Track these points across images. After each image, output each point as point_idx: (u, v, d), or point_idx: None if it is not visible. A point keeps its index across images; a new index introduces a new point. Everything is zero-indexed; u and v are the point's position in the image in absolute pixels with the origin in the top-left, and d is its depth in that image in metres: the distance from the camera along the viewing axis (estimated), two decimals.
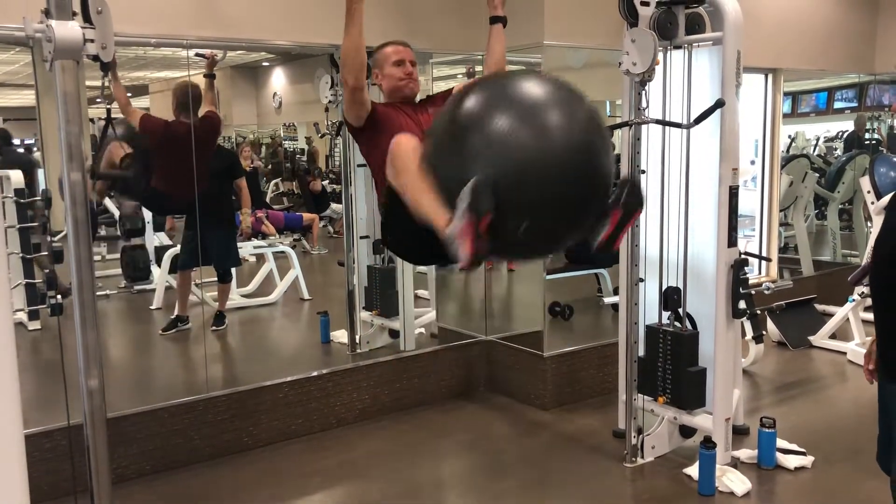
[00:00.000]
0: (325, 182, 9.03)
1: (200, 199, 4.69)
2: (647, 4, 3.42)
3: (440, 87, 5.65)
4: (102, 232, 6.61)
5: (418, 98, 2.82)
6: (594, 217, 2.10)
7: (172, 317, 5.37)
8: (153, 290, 5.92)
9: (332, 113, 5.02)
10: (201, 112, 4.97)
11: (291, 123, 10.55)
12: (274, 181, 9.46)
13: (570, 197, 2.00)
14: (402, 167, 2.21)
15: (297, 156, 9.73)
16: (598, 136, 2.09)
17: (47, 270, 3.65)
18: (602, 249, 2.15)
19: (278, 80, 10.04)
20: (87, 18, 2.12)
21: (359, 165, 4.96)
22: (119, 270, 5.85)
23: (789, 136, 8.28)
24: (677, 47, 3.72)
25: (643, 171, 3.68)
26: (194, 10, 3.93)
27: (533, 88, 2.10)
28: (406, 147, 2.23)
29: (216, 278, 5.63)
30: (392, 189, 2.30)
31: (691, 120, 3.54)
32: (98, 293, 2.31)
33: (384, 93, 2.77)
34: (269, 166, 9.47)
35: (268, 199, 9.18)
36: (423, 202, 2.11)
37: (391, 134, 2.56)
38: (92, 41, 2.11)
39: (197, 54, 4.71)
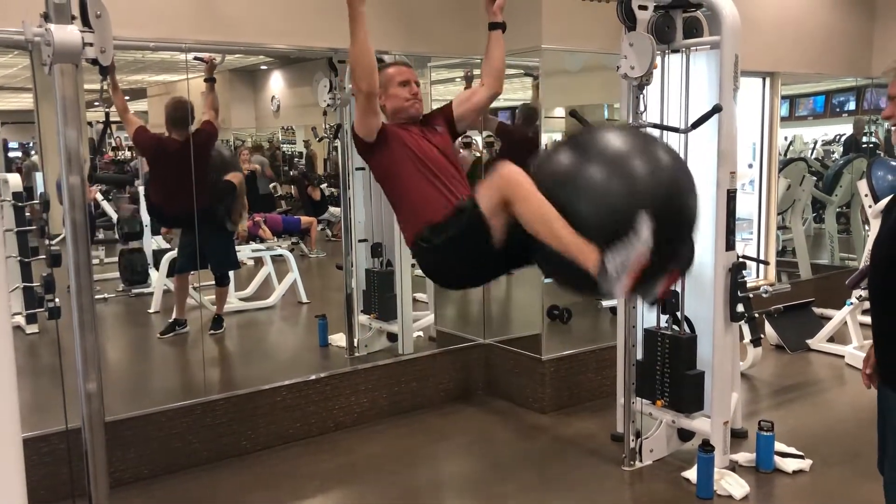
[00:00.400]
0: (324, 185, 9.03)
1: (176, 198, 4.72)
2: (645, 8, 3.43)
3: (439, 90, 5.66)
4: (101, 235, 6.62)
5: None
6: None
7: (170, 320, 5.36)
8: (151, 294, 5.92)
9: (330, 116, 5.02)
10: (198, 121, 4.97)
11: (290, 127, 10.56)
12: (272, 184, 9.45)
13: (689, 233, 2.33)
14: (525, 195, 2.26)
15: (296, 159, 9.73)
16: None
17: (45, 274, 3.65)
18: (652, 299, 2.50)
19: (277, 83, 10.04)
20: (85, 22, 2.12)
21: (357, 169, 4.96)
22: (117, 274, 5.84)
23: (786, 139, 8.30)
24: (675, 51, 3.73)
25: None
26: (193, 13, 3.93)
27: (638, 138, 2.43)
28: (522, 176, 2.29)
29: (214, 282, 5.62)
30: (476, 217, 2.35)
31: (689, 124, 3.54)
32: (96, 297, 2.31)
33: (388, 114, 2.77)
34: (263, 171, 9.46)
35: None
36: (563, 235, 2.20)
37: (404, 153, 2.59)
38: (91, 45, 2.11)
39: (196, 58, 4.71)
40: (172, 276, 5.62)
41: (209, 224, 4.97)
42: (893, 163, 6.22)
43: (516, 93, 5.41)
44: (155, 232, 6.37)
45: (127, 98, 5.23)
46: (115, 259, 6.00)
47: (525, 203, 2.25)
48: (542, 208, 2.22)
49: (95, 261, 6.52)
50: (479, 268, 2.57)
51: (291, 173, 9.54)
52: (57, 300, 3.53)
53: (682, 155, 2.82)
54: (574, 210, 2.20)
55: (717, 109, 3.41)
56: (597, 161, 2.26)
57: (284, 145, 10.26)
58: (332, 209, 8.59)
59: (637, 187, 2.18)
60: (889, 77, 1.99)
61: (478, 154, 5.78)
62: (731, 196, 3.57)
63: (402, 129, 2.68)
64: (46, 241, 4.21)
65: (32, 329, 5.11)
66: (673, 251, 2.24)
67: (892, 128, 2.08)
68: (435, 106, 5.32)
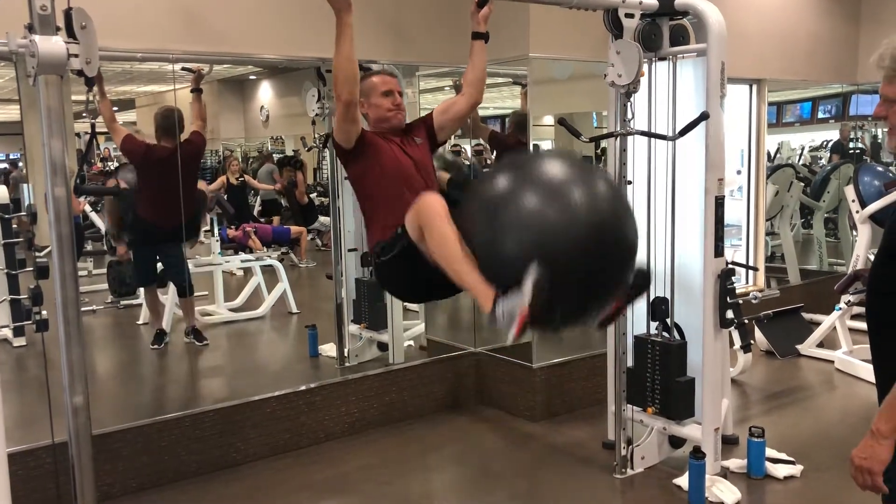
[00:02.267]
0: (313, 195, 9.02)
1: (157, 208, 4.85)
2: (632, 17, 3.44)
3: (427, 98, 5.67)
4: (89, 247, 6.58)
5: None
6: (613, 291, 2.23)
7: (156, 331, 5.34)
8: (140, 305, 5.88)
9: (319, 126, 5.01)
10: (186, 131, 4.96)
11: (279, 136, 10.55)
12: (259, 193, 9.44)
13: (607, 277, 2.17)
14: (433, 229, 2.28)
15: (284, 170, 9.72)
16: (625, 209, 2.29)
17: (32, 286, 3.63)
18: (600, 324, 2.32)
19: (265, 93, 10.04)
20: (70, 34, 2.11)
21: (346, 178, 4.94)
22: (106, 285, 5.81)
23: (778, 146, 8.36)
24: (662, 59, 3.75)
25: (629, 182, 3.69)
26: (180, 24, 3.92)
27: (566, 170, 2.23)
28: (438, 208, 2.30)
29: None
30: (404, 239, 2.41)
31: (676, 132, 3.55)
32: (84, 308, 2.30)
33: (370, 122, 2.79)
34: (259, 162, 9.47)
35: (255, 213, 9.16)
36: (464, 273, 2.21)
37: (380, 162, 2.63)
38: (76, 56, 2.11)
39: (183, 69, 4.70)
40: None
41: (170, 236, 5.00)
42: (880, 168, 6.27)
43: (505, 101, 5.43)
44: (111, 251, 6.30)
45: (115, 109, 5.22)
46: (104, 271, 5.96)
47: (433, 236, 2.29)
48: (447, 244, 2.25)
49: (84, 272, 6.48)
50: (423, 286, 2.62)
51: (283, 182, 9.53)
52: (44, 313, 3.50)
53: (615, 184, 2.65)
54: (479, 249, 2.21)
55: (704, 116, 3.42)
56: (507, 201, 2.17)
57: (274, 155, 10.25)
58: (321, 218, 8.58)
59: (533, 235, 2.09)
60: (883, 64, 1.91)
61: (465, 161, 5.77)
62: (720, 203, 3.58)
63: (382, 139, 2.70)
64: (34, 254, 4.19)
65: (20, 342, 5.07)
66: (601, 285, 2.16)
67: (885, 129, 2.01)
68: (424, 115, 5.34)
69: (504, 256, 2.13)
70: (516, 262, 2.07)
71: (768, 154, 6.88)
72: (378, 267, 2.65)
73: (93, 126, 2.77)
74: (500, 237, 2.14)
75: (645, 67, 3.49)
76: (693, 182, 3.70)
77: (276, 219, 8.73)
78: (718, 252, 3.60)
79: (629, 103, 3.49)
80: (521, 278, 2.04)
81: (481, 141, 5.52)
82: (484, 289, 2.17)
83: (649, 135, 3.64)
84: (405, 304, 5.10)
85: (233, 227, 7.47)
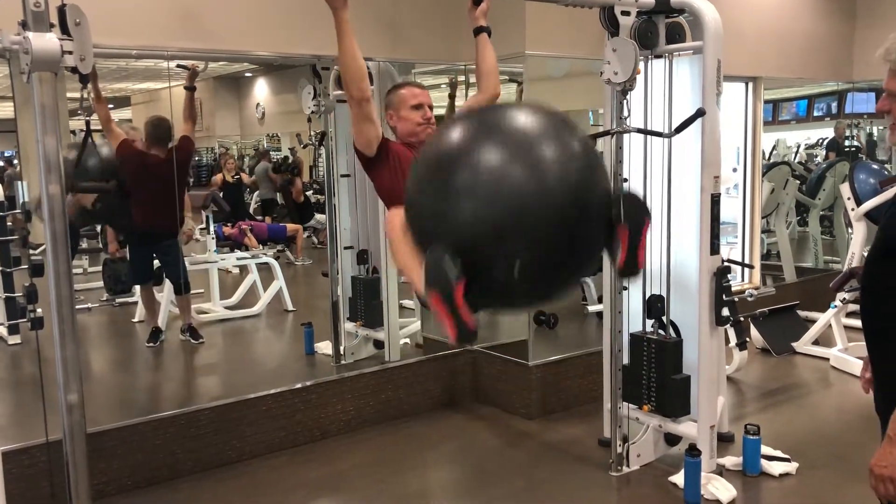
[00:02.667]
0: (309, 192, 9.02)
1: (149, 215, 4.92)
2: (628, 14, 3.44)
3: None
4: (84, 244, 6.57)
5: None
6: (596, 241, 1.95)
7: (152, 328, 5.34)
8: (135, 304, 5.87)
9: (314, 123, 5.01)
10: (178, 128, 4.98)
11: (275, 134, 10.55)
12: (257, 192, 9.44)
13: (559, 223, 1.81)
14: (393, 244, 2.26)
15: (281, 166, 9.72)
16: (579, 154, 1.89)
17: (27, 284, 3.62)
18: (626, 273, 2.03)
19: (261, 90, 10.04)
20: (64, 30, 2.10)
21: (342, 176, 4.95)
22: (101, 283, 5.81)
23: (774, 143, 8.38)
24: (658, 56, 3.75)
25: (626, 180, 3.69)
26: (176, 21, 3.91)
27: (502, 121, 1.94)
28: (395, 224, 2.25)
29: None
30: None
31: (672, 129, 3.55)
32: (79, 306, 2.29)
33: (398, 135, 2.71)
34: (253, 177, 9.46)
35: (251, 211, 9.16)
36: (410, 268, 2.08)
37: (405, 170, 2.50)
38: (70, 53, 2.10)
39: (178, 65, 4.69)
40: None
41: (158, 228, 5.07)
42: (875, 166, 6.28)
43: (501, 99, 5.41)
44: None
45: (111, 106, 5.22)
46: (99, 268, 5.95)
47: (394, 250, 2.28)
48: (400, 252, 2.20)
49: (79, 270, 6.47)
50: None
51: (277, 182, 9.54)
52: (39, 311, 3.49)
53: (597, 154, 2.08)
54: (413, 234, 2.01)
55: (700, 113, 3.42)
56: (420, 172, 1.97)
57: (270, 152, 10.26)
58: (317, 216, 8.58)
59: (452, 220, 1.83)
60: (889, 58, 1.88)
61: None
62: (716, 200, 3.58)
63: (406, 148, 2.62)
64: (29, 251, 4.18)
65: (15, 340, 5.06)
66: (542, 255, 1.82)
67: (881, 126, 2.00)
68: None
69: (422, 229, 1.95)
70: (429, 233, 1.88)
71: (763, 152, 6.90)
72: None
73: (87, 123, 2.75)
74: (417, 210, 1.96)
75: (641, 65, 3.49)
76: (689, 179, 3.70)
77: (267, 218, 8.74)
78: (714, 250, 3.60)
79: (625, 101, 3.48)
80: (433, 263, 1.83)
81: None
82: (420, 283, 1.97)
83: (645, 132, 3.64)
84: (401, 301, 5.10)
85: (228, 224, 7.47)
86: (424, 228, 1.93)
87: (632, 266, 2.02)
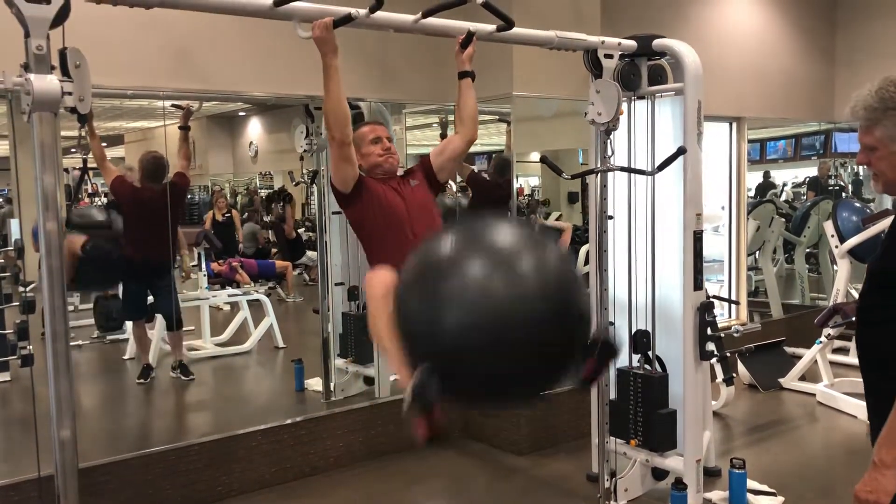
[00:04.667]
0: (301, 230, 9.08)
1: (144, 250, 4.97)
2: (611, 57, 3.54)
3: (415, 134, 5.76)
4: None
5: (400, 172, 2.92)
6: (569, 364, 2.05)
7: (143, 365, 5.35)
8: (125, 341, 5.88)
9: (307, 162, 5.09)
10: (172, 167, 5.05)
11: (268, 172, 10.63)
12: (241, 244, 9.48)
13: (543, 346, 1.90)
14: (372, 308, 2.37)
15: (273, 204, 9.79)
16: (562, 278, 1.99)
17: (18, 321, 3.64)
18: (581, 386, 2.25)
19: (254, 129, 10.13)
20: (65, 72, 2.17)
21: (333, 213, 5.01)
22: (92, 320, 5.82)
23: (768, 179, 8.50)
24: (641, 97, 3.85)
25: (611, 217, 3.78)
26: (171, 62, 4.00)
27: (489, 238, 2.01)
28: (377, 289, 2.36)
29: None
30: None
31: (655, 167, 3.64)
32: (71, 343, 2.32)
33: (365, 171, 2.83)
34: (245, 214, 9.52)
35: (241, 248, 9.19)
36: (392, 354, 2.23)
37: (375, 204, 2.69)
38: (70, 94, 2.16)
39: (173, 105, 4.78)
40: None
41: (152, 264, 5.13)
42: (857, 204, 6.40)
43: (491, 138, 5.52)
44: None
45: (104, 144, 5.29)
46: (90, 305, 5.97)
47: (372, 313, 2.39)
48: (379, 325, 2.31)
49: (70, 307, 6.46)
50: None
51: (269, 219, 9.60)
52: (30, 347, 3.51)
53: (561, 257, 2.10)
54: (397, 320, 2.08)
55: (681, 151, 3.51)
56: (419, 280, 2.04)
57: (262, 190, 10.33)
58: (309, 253, 8.62)
59: (430, 329, 1.92)
60: (857, 115, 2.01)
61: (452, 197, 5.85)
62: (698, 237, 3.65)
63: (378, 182, 2.78)
64: (20, 288, 4.20)
65: (4, 377, 5.05)
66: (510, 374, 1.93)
67: (871, 174, 2.08)
68: (410, 151, 5.44)
69: (405, 338, 2.05)
70: (411, 351, 2.04)
71: (755, 189, 7.00)
72: None
73: (84, 162, 2.83)
74: (405, 318, 2.04)
75: (624, 106, 3.58)
76: (672, 217, 3.78)
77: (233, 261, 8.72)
78: (697, 285, 3.67)
79: (609, 140, 3.57)
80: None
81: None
82: (405, 371, 2.12)
83: (629, 170, 3.73)
84: None
85: (219, 262, 7.50)
86: (414, 337, 2.03)
87: (587, 385, 2.28)
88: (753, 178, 8.03)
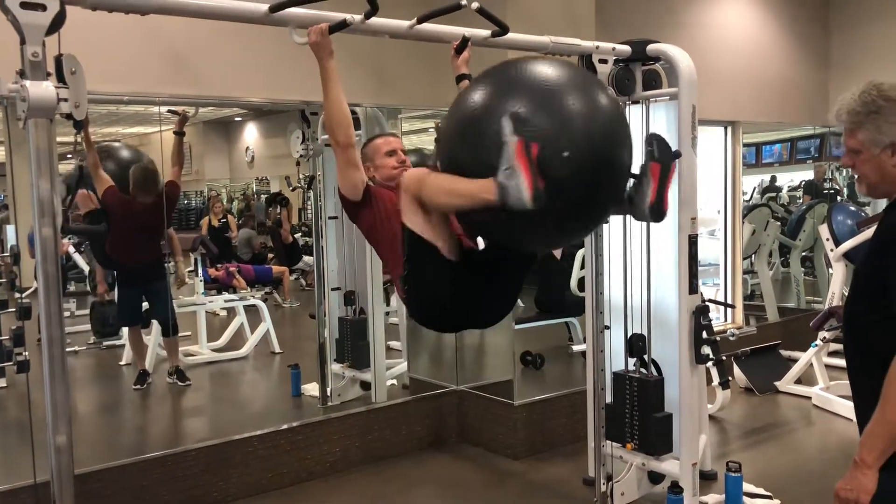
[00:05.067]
0: (298, 235, 9.09)
1: (136, 259, 5.03)
2: (606, 62, 3.55)
3: (412, 139, 5.77)
4: (72, 287, 6.58)
5: None
6: (626, 173, 2.26)
7: (139, 371, 5.35)
8: (122, 346, 5.88)
9: (303, 167, 5.10)
10: (166, 172, 5.06)
11: (264, 177, 10.64)
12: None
13: (605, 140, 2.16)
14: (423, 183, 2.26)
15: (270, 209, 9.80)
16: (619, 115, 2.29)
17: (14, 327, 3.64)
18: (655, 212, 2.30)
19: (251, 134, 10.15)
20: (60, 79, 2.18)
21: (330, 218, 5.03)
22: (88, 326, 5.82)
23: (756, 186, 8.52)
24: (635, 102, 3.86)
25: (606, 221, 3.79)
26: (166, 67, 4.01)
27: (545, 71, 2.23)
28: (416, 173, 2.33)
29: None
30: (415, 240, 2.29)
31: None
32: (67, 349, 2.32)
33: (377, 183, 2.74)
34: (242, 220, 9.53)
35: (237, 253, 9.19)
36: (460, 188, 2.17)
37: (390, 215, 2.55)
38: (65, 100, 2.17)
39: (169, 111, 4.79)
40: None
41: (146, 269, 5.19)
42: (852, 207, 6.41)
43: None
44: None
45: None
46: (87, 311, 5.97)
47: (425, 187, 2.26)
48: (438, 180, 2.25)
49: (66, 313, 6.47)
50: (454, 292, 2.39)
51: (266, 222, 9.60)
52: (26, 353, 3.51)
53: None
54: (462, 161, 2.21)
55: (676, 156, 3.51)
56: (464, 112, 2.26)
57: (260, 195, 10.34)
58: (305, 258, 8.63)
59: (491, 101, 2.16)
60: (841, 119, 2.05)
61: None
62: (693, 241, 3.66)
63: (390, 191, 2.65)
64: (16, 295, 4.20)
65: (0, 383, 5.05)
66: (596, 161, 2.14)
67: (856, 177, 2.11)
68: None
69: (477, 140, 2.15)
70: (485, 133, 2.11)
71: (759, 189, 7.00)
72: (408, 295, 2.48)
73: (81, 168, 2.83)
74: (466, 132, 2.21)
75: None
76: (667, 221, 3.76)
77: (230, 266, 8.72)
78: (693, 289, 3.67)
79: None
80: (497, 141, 2.06)
81: None
82: (482, 182, 2.10)
83: None
84: (388, 343, 5.14)
85: (216, 267, 7.50)
86: (485, 131, 2.11)
87: (660, 204, 2.30)
88: (750, 182, 8.05)
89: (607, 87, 2.33)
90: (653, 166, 2.29)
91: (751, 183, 8.19)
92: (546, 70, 2.20)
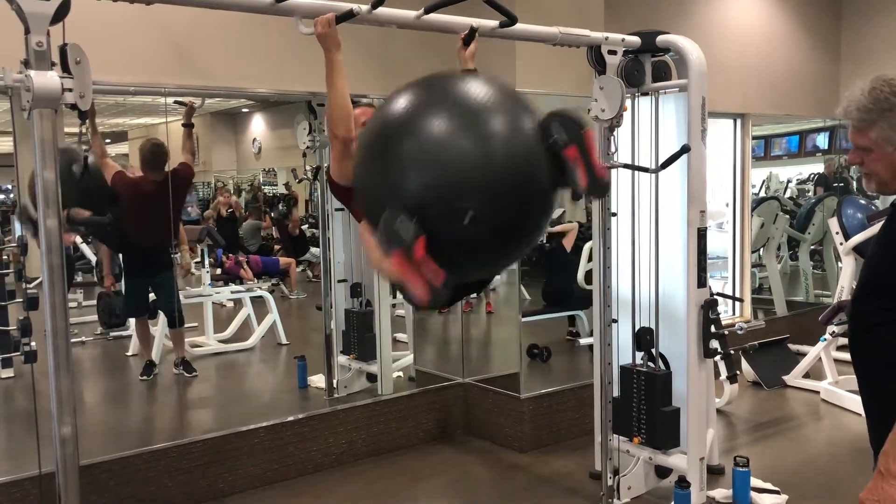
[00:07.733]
0: (305, 226, 9.08)
1: (143, 245, 4.99)
2: (615, 53, 3.53)
3: None
4: (79, 278, 6.59)
5: None
6: (545, 184, 2.00)
7: (146, 362, 5.35)
8: (129, 337, 5.89)
9: (310, 158, 5.08)
10: (175, 162, 5.04)
11: (271, 169, 10.64)
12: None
13: (514, 173, 1.90)
14: (365, 243, 2.18)
15: (278, 201, 9.81)
16: (513, 111, 2.05)
17: (21, 317, 3.65)
18: (594, 191, 2.05)
19: (258, 125, 10.14)
20: (65, 68, 2.16)
21: (336, 209, 5.01)
22: (95, 317, 5.83)
23: (765, 179, 8.47)
24: (644, 94, 3.83)
25: (614, 214, 3.76)
26: (173, 58, 4.00)
27: (429, 89, 2.09)
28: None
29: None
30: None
31: (658, 164, 3.63)
32: (74, 340, 2.32)
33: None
34: (248, 211, 9.53)
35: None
36: (378, 260, 1.98)
37: None
38: (70, 90, 2.15)
39: (176, 101, 4.77)
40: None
41: (153, 259, 5.16)
42: (862, 201, 6.36)
43: None
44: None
45: (108, 141, 5.29)
46: (94, 302, 5.98)
47: (367, 250, 2.17)
48: (371, 248, 2.06)
49: (74, 304, 6.49)
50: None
51: (272, 214, 9.60)
52: (33, 344, 3.52)
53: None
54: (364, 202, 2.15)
55: (685, 149, 3.49)
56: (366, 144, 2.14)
57: (266, 187, 10.34)
58: (312, 250, 8.62)
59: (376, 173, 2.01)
60: (850, 116, 2.00)
61: None
62: (702, 234, 3.63)
63: None
64: (24, 285, 4.21)
65: (7, 373, 5.06)
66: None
67: (864, 174, 2.06)
68: None
69: (375, 215, 1.99)
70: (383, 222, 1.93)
71: (754, 186, 6.97)
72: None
73: (86, 158, 2.82)
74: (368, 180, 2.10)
75: (628, 102, 3.57)
76: (676, 214, 3.76)
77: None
78: (701, 283, 3.65)
79: (613, 137, 3.56)
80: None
81: None
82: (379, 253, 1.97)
83: (632, 167, 3.71)
84: (394, 335, 5.12)
85: (227, 256, 7.51)
86: (377, 201, 1.97)
87: (594, 180, 2.02)
88: (758, 175, 7.99)
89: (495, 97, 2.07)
90: (569, 152, 1.99)
91: (760, 176, 8.15)
92: (425, 111, 1.97)
